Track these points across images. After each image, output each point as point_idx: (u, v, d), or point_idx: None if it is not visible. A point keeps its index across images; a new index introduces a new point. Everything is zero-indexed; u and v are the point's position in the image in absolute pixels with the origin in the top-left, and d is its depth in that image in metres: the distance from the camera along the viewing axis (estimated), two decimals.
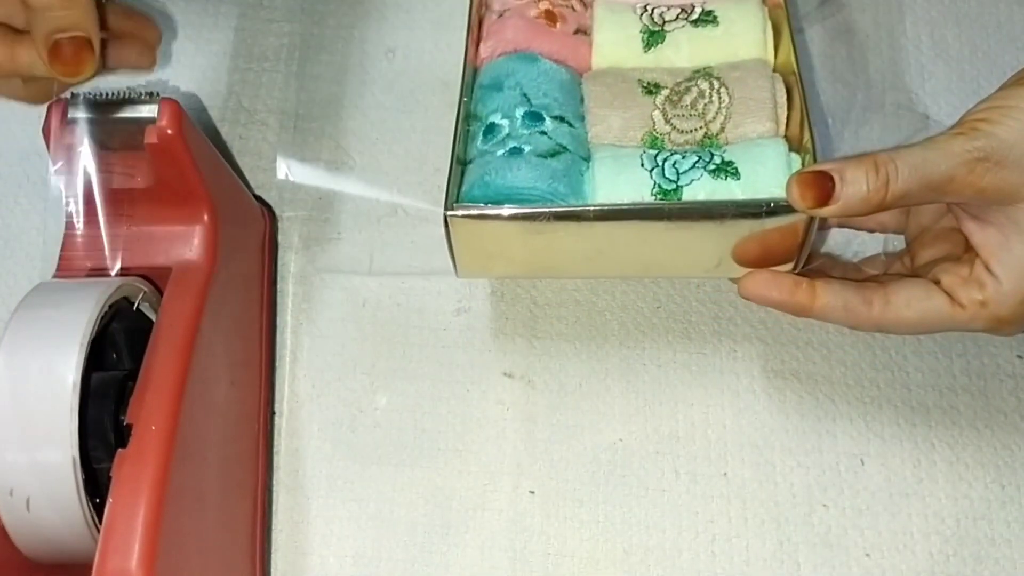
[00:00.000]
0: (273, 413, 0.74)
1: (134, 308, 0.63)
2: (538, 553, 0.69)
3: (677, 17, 0.74)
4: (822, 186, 0.60)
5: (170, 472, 0.55)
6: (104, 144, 0.63)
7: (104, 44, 0.65)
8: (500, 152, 0.67)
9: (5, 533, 0.56)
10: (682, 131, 0.69)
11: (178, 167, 0.63)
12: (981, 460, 0.70)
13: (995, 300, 0.62)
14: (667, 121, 0.70)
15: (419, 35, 0.87)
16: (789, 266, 0.67)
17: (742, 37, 0.73)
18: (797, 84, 0.68)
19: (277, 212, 0.81)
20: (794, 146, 0.67)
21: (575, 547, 0.69)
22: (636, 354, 0.74)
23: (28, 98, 0.68)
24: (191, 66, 0.87)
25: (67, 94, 0.64)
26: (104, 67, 0.68)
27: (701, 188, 0.65)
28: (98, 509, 0.56)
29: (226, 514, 0.66)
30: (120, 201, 0.64)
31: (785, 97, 0.69)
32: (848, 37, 0.85)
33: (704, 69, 0.72)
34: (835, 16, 0.85)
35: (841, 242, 0.76)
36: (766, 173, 0.65)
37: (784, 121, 0.69)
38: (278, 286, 0.78)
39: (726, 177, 0.65)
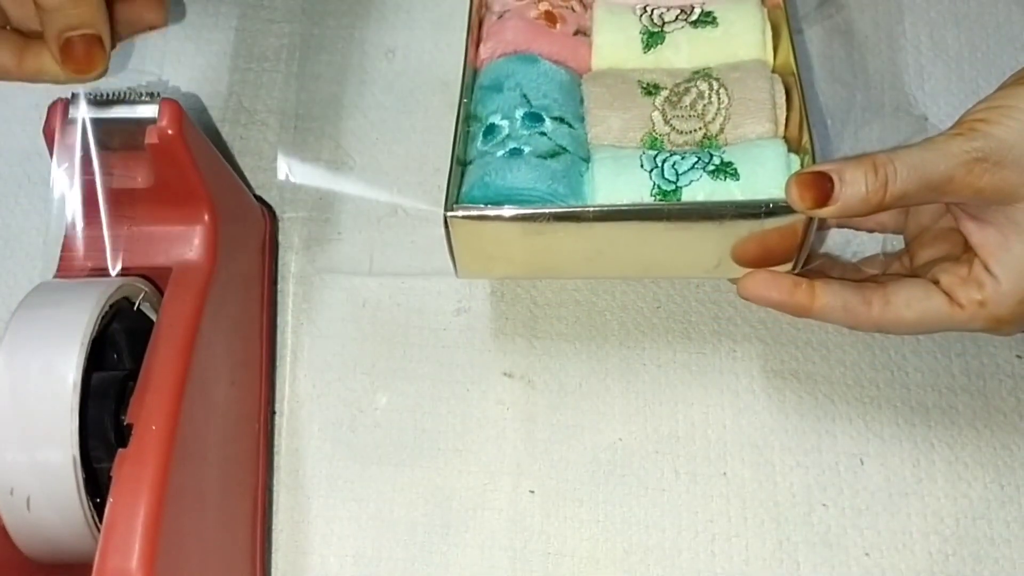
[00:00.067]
0: (273, 413, 0.74)
1: (135, 308, 0.63)
2: (538, 553, 0.69)
3: (676, 18, 0.74)
4: (821, 187, 0.60)
5: (170, 472, 0.55)
6: (105, 144, 0.63)
7: (112, 10, 0.65)
8: (500, 153, 0.67)
9: (5, 533, 0.56)
10: (681, 132, 0.69)
11: (178, 167, 0.63)
12: (980, 460, 0.70)
13: (994, 300, 0.63)
14: (666, 122, 0.70)
15: (419, 35, 0.87)
16: (788, 266, 0.67)
17: (741, 38, 0.73)
18: (796, 85, 0.68)
19: (277, 212, 0.81)
20: (793, 147, 0.67)
21: (575, 547, 0.69)
22: (636, 354, 0.74)
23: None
24: (191, 66, 0.87)
25: (67, 94, 0.64)
26: (119, 38, 0.68)
27: (700, 189, 0.65)
28: (98, 509, 0.56)
29: (226, 514, 0.66)
30: (121, 201, 0.64)
31: (784, 98, 0.69)
32: (848, 37, 0.85)
33: (703, 70, 0.72)
34: (834, 17, 0.85)
35: (840, 242, 0.76)
36: (765, 174, 0.65)
37: (783, 122, 0.69)
38: (278, 286, 0.78)
39: (725, 178, 0.65)
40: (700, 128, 0.69)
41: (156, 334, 0.61)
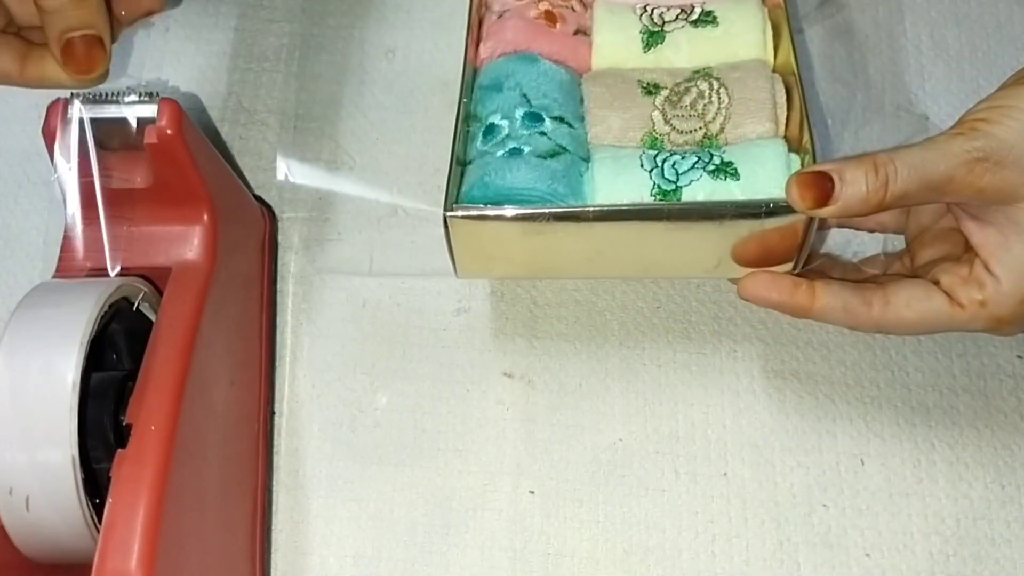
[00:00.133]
0: (273, 413, 0.74)
1: (134, 308, 0.63)
2: (538, 553, 0.69)
3: (677, 18, 0.74)
4: (821, 186, 0.60)
5: (170, 472, 0.55)
6: (104, 144, 0.63)
7: (109, 2, 0.65)
8: (500, 153, 0.67)
9: (4, 533, 0.56)
10: (682, 132, 0.69)
11: (178, 167, 0.63)
12: (981, 460, 0.70)
13: (994, 300, 0.62)
14: (667, 122, 0.70)
15: (419, 35, 0.87)
16: (789, 266, 0.67)
17: (742, 37, 0.73)
18: (797, 84, 0.68)
19: (277, 212, 0.81)
20: (793, 147, 0.67)
21: (575, 547, 0.69)
22: (636, 354, 0.74)
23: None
24: (191, 66, 0.87)
25: (66, 94, 0.64)
26: (121, 26, 0.69)
27: (700, 189, 0.65)
28: (98, 509, 0.56)
29: (226, 514, 0.66)
30: (120, 201, 0.64)
31: (785, 97, 0.69)
32: (848, 37, 0.85)
33: (704, 70, 0.72)
34: (835, 16, 0.85)
35: (841, 242, 0.76)
36: (765, 174, 0.65)
37: (784, 121, 0.69)
38: (278, 286, 0.78)
39: (725, 178, 0.65)
40: (700, 128, 0.69)
41: (155, 334, 0.61)
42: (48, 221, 0.80)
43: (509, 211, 0.64)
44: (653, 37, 0.73)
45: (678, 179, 0.65)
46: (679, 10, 0.74)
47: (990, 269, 0.62)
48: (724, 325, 0.75)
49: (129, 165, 0.64)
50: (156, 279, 0.66)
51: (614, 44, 0.74)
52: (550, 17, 0.74)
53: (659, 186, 0.65)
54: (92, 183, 0.63)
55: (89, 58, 0.63)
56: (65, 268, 0.65)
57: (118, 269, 0.65)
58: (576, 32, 0.74)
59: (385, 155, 0.83)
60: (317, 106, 0.85)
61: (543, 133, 0.68)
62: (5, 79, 0.66)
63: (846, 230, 0.75)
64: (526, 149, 0.67)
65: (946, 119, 0.79)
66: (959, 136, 0.60)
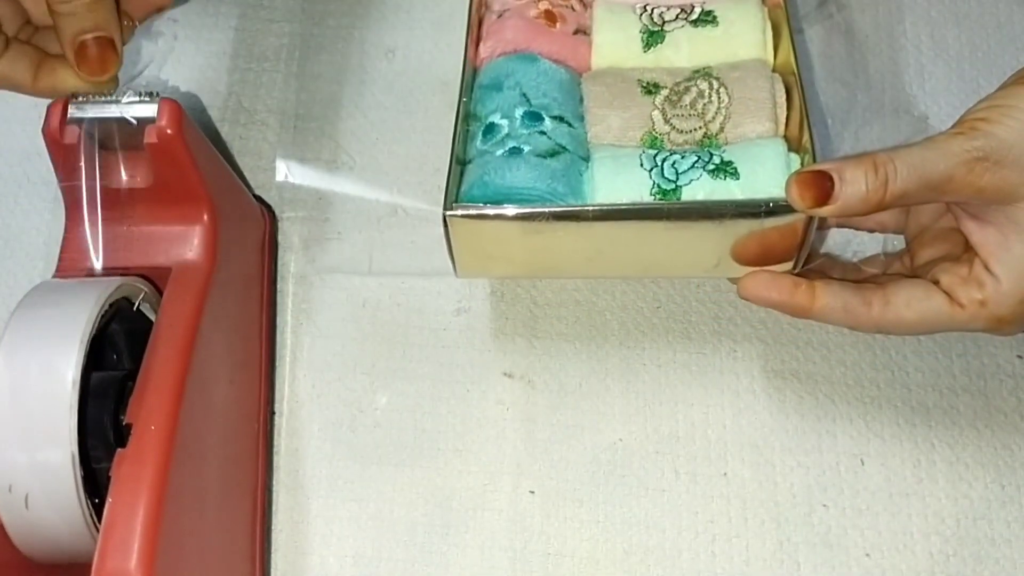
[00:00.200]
0: (273, 413, 0.74)
1: (134, 308, 0.63)
2: (538, 553, 0.69)
3: (677, 17, 0.74)
4: (821, 186, 0.60)
5: (169, 472, 0.55)
6: (104, 144, 0.63)
7: (118, 2, 0.67)
8: (499, 152, 0.67)
9: (4, 532, 0.56)
10: (681, 131, 0.69)
11: (178, 167, 0.63)
12: (981, 460, 0.70)
13: (994, 300, 0.62)
14: (666, 121, 0.70)
15: (419, 35, 0.87)
16: (788, 265, 0.67)
17: (742, 37, 0.73)
18: (796, 84, 0.68)
19: (277, 212, 0.81)
20: (793, 146, 0.67)
21: (575, 547, 0.69)
22: (636, 354, 0.74)
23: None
24: (191, 66, 0.87)
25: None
26: (133, 24, 0.70)
27: (700, 188, 0.65)
28: (97, 509, 0.56)
29: (226, 514, 0.66)
30: (120, 201, 0.64)
31: (784, 97, 0.69)
32: (848, 37, 0.85)
33: (703, 69, 0.72)
34: (834, 16, 0.85)
35: (840, 242, 0.76)
36: (765, 173, 0.65)
37: (783, 121, 0.69)
38: (278, 286, 0.78)
39: (725, 177, 0.65)
40: (700, 127, 0.69)
41: (155, 334, 0.61)
42: (48, 221, 0.80)
43: (509, 210, 0.64)
44: (653, 37, 0.73)
45: (678, 178, 0.65)
46: (679, 10, 0.74)
47: (990, 269, 0.62)
48: (724, 325, 0.75)
49: (129, 165, 0.64)
50: (156, 279, 0.66)
51: (614, 44, 0.74)
52: (550, 17, 0.74)
53: (659, 185, 0.65)
54: (92, 183, 0.63)
55: (102, 60, 0.65)
56: (65, 268, 0.65)
57: (118, 269, 0.65)
58: (576, 32, 0.74)
59: (385, 155, 0.83)
60: (317, 106, 0.85)
61: (543, 132, 0.68)
62: (18, 88, 0.68)
63: (846, 230, 0.75)
64: (526, 148, 0.67)
65: (946, 119, 0.79)
66: (959, 135, 0.60)
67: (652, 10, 0.75)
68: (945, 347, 0.73)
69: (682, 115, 0.69)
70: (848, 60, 0.84)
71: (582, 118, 0.71)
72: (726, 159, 0.66)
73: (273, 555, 0.70)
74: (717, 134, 0.69)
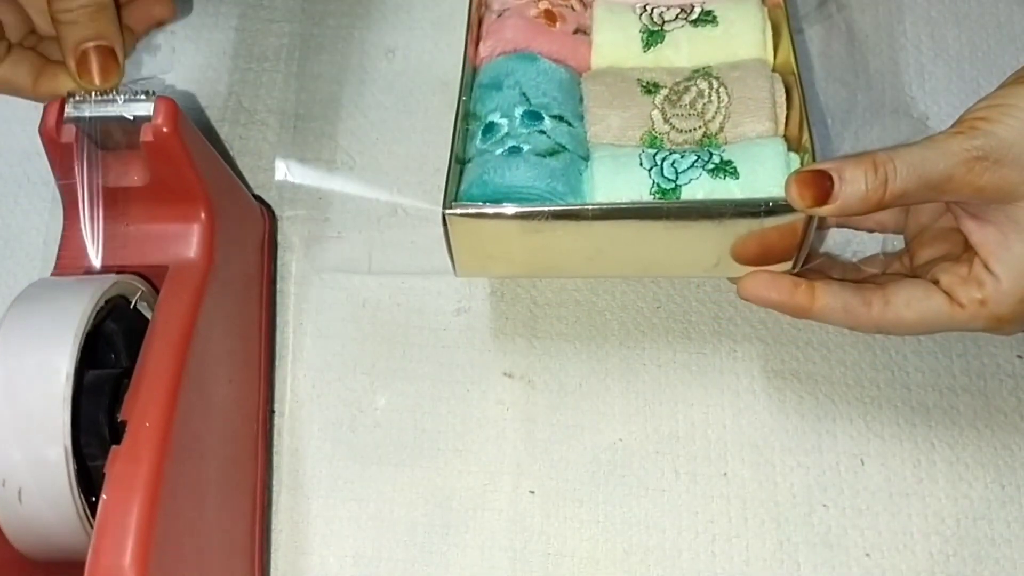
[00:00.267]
0: (273, 413, 0.74)
1: (131, 306, 0.63)
2: (538, 553, 0.69)
3: (676, 17, 0.74)
4: (821, 185, 0.60)
5: (165, 470, 0.55)
6: (101, 143, 0.63)
7: (120, 15, 0.68)
8: (499, 151, 0.67)
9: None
10: (681, 131, 0.69)
11: (174, 165, 0.63)
12: (981, 460, 0.70)
13: (994, 299, 0.62)
14: (666, 120, 0.70)
15: (419, 35, 0.88)
16: (788, 265, 0.67)
17: (741, 37, 0.73)
18: (796, 84, 0.68)
19: (277, 212, 0.81)
20: (793, 146, 0.67)
21: (575, 547, 0.69)
22: (636, 354, 0.74)
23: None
24: (191, 66, 0.87)
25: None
26: (134, 37, 0.72)
27: (700, 187, 0.65)
28: (93, 507, 0.56)
29: (225, 513, 0.66)
30: (117, 200, 0.64)
31: (784, 97, 0.69)
32: (848, 37, 0.85)
33: (703, 69, 0.72)
34: (834, 17, 0.85)
35: (840, 242, 0.76)
36: (765, 172, 0.65)
37: (783, 121, 0.69)
38: (278, 286, 0.78)
39: (725, 176, 0.65)
40: (700, 127, 0.69)
41: (151, 331, 0.61)
42: (47, 221, 0.80)
43: (508, 209, 0.64)
44: (653, 36, 0.73)
45: (677, 178, 0.65)
46: (679, 9, 0.74)
47: (990, 268, 0.62)
48: (724, 325, 0.75)
49: (126, 163, 0.64)
50: (153, 277, 0.66)
51: (614, 43, 0.74)
52: (550, 16, 0.74)
53: (658, 185, 0.65)
54: (90, 182, 0.63)
55: (103, 69, 0.65)
56: (63, 267, 0.65)
57: (115, 267, 0.65)
58: (576, 31, 0.74)
59: (385, 155, 0.83)
60: (317, 106, 0.85)
61: (542, 132, 0.68)
62: (18, 92, 0.69)
63: (845, 230, 0.75)
64: (525, 147, 0.67)
65: (946, 119, 0.79)
66: (958, 135, 0.60)
67: (652, 10, 0.75)
68: (945, 347, 0.73)
69: (682, 115, 0.69)
70: (848, 60, 0.84)
71: (582, 117, 0.71)
72: (726, 158, 0.66)
73: (273, 555, 0.70)
74: (717, 134, 0.69)
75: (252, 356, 0.73)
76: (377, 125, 0.84)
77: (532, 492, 0.71)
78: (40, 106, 0.64)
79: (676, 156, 0.66)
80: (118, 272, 0.64)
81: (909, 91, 0.82)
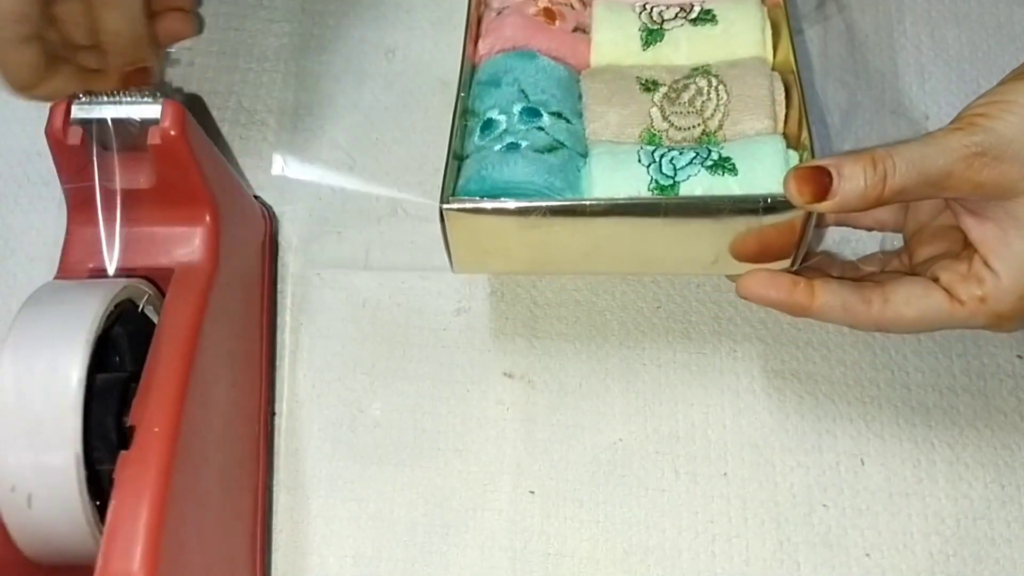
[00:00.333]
0: (273, 413, 0.74)
1: (139, 310, 0.63)
2: (538, 553, 0.69)
3: (676, 16, 0.74)
4: (819, 181, 0.60)
5: (172, 474, 0.55)
6: (106, 145, 0.63)
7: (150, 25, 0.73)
8: (497, 147, 0.67)
9: (6, 532, 0.56)
10: (680, 128, 0.69)
11: (181, 168, 0.63)
12: (981, 460, 0.70)
13: (994, 296, 0.62)
14: (665, 118, 0.70)
15: (419, 35, 0.88)
16: (786, 263, 0.67)
17: (741, 36, 0.73)
18: (796, 83, 0.68)
19: (277, 212, 0.81)
20: (792, 144, 0.67)
21: (575, 547, 0.69)
22: (636, 354, 0.74)
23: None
24: (191, 66, 0.87)
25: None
26: (160, 49, 0.79)
27: (698, 184, 0.65)
28: (100, 510, 0.56)
29: (227, 514, 0.66)
30: (122, 202, 0.64)
31: (783, 95, 0.69)
32: (848, 37, 0.85)
33: (702, 67, 0.72)
34: (834, 17, 0.85)
35: (838, 240, 0.76)
36: (764, 170, 0.64)
37: (782, 119, 0.69)
38: (278, 286, 0.78)
39: (723, 173, 0.65)
40: (699, 124, 0.69)
41: (158, 335, 0.61)
42: (49, 222, 0.80)
43: (506, 204, 0.64)
44: (652, 35, 0.73)
45: (676, 174, 0.65)
46: (678, 8, 0.74)
47: (989, 265, 0.62)
48: (724, 325, 0.75)
49: (132, 166, 0.64)
50: (158, 280, 0.66)
51: (613, 42, 0.74)
52: (549, 14, 0.74)
53: (656, 181, 0.65)
54: (94, 183, 0.63)
55: (144, 84, 0.72)
56: (67, 269, 0.65)
57: (120, 270, 0.65)
58: (575, 30, 0.74)
59: (385, 155, 0.83)
60: (317, 106, 0.85)
61: (541, 128, 0.68)
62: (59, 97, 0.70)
63: (844, 228, 0.75)
64: (523, 144, 0.66)
65: (946, 119, 0.77)
66: (958, 131, 0.60)
67: (651, 9, 0.75)
68: (945, 347, 0.74)
69: (681, 112, 0.69)
70: (848, 60, 0.84)
71: (580, 115, 0.71)
72: (724, 155, 0.65)
73: (273, 555, 0.70)
74: (716, 131, 0.69)
75: (253, 358, 0.73)
76: (377, 125, 0.84)
77: (532, 492, 0.71)
78: (43, 106, 0.63)
79: (675, 153, 0.66)
80: (124, 274, 0.64)
81: (909, 91, 0.82)
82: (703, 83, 0.70)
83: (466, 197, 0.65)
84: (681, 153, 0.66)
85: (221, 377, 0.66)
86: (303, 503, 0.72)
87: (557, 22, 0.74)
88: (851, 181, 0.60)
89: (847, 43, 0.84)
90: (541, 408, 0.73)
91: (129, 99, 0.62)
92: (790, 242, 0.65)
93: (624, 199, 0.65)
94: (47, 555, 0.58)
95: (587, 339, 0.75)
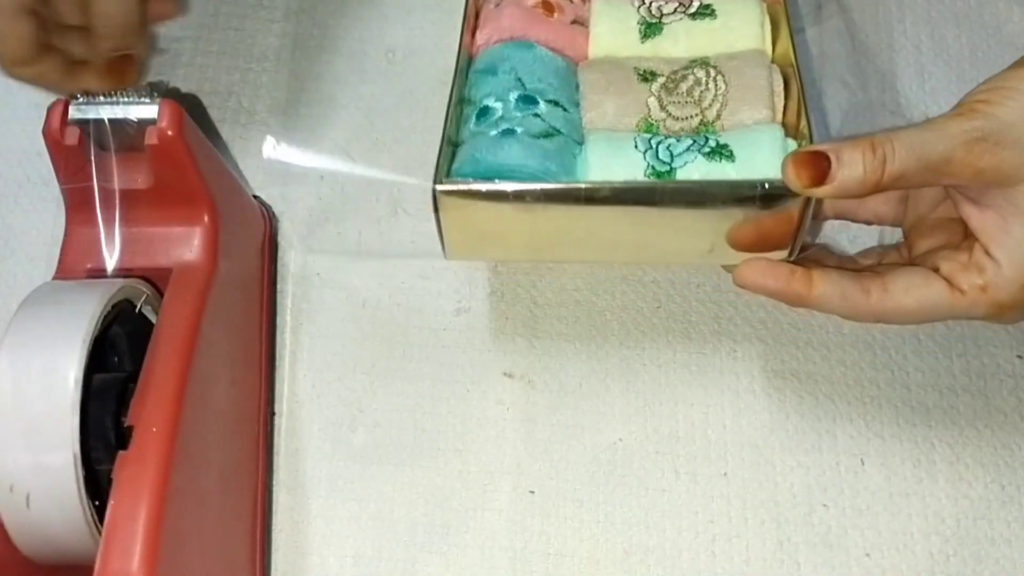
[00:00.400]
0: (273, 413, 0.74)
1: (136, 310, 0.63)
2: (538, 553, 0.69)
3: (675, 11, 0.74)
4: (818, 165, 0.60)
5: (171, 474, 0.55)
6: (104, 145, 0.63)
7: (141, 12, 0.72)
8: (492, 133, 0.67)
9: (4, 532, 0.56)
10: (678, 118, 0.69)
11: (178, 168, 0.63)
12: (981, 460, 0.70)
13: (995, 284, 0.62)
14: (663, 108, 0.69)
15: (419, 35, 0.88)
16: (784, 253, 0.67)
17: (740, 30, 0.73)
18: (795, 75, 0.68)
19: (277, 212, 0.81)
20: (791, 134, 0.66)
21: (575, 547, 0.69)
22: (636, 354, 0.74)
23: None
24: (191, 66, 0.87)
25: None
26: (146, 35, 0.76)
27: (695, 170, 0.64)
28: (99, 511, 0.56)
29: (226, 514, 0.66)
30: (120, 202, 0.64)
31: (782, 87, 0.69)
32: (848, 37, 0.85)
33: (701, 58, 0.72)
34: (834, 17, 0.85)
35: (837, 234, 0.76)
36: (762, 157, 0.64)
37: (781, 109, 0.69)
38: (278, 286, 0.78)
39: (721, 159, 0.64)
40: (696, 115, 0.69)
41: (156, 335, 0.61)
42: (49, 222, 0.80)
43: (500, 185, 0.63)
44: (651, 29, 0.73)
45: (672, 160, 0.65)
46: (677, 3, 0.74)
47: (990, 253, 0.62)
48: (724, 325, 0.75)
49: (130, 166, 0.64)
50: (157, 280, 0.66)
51: (611, 34, 0.74)
52: (547, 6, 0.74)
53: (653, 167, 0.65)
54: (92, 184, 0.63)
55: (128, 71, 0.71)
56: (65, 269, 0.65)
57: (118, 270, 0.65)
58: (573, 23, 0.75)
59: (385, 154, 0.83)
60: (317, 106, 0.85)
61: (537, 115, 0.67)
62: (48, 87, 0.71)
63: (842, 222, 0.75)
64: (519, 130, 0.66)
65: None
66: (958, 116, 0.60)
67: (650, 3, 0.75)
68: (945, 347, 0.73)
69: (678, 102, 0.69)
70: (848, 60, 0.84)
71: (577, 104, 0.71)
72: (722, 142, 0.65)
73: (273, 555, 0.70)
74: (713, 121, 0.68)
75: (253, 358, 0.73)
76: (377, 124, 0.84)
77: (532, 492, 0.71)
78: (42, 106, 0.64)
79: (672, 140, 0.66)
80: (122, 275, 0.64)
81: (909, 91, 0.82)
82: (701, 74, 0.70)
83: (460, 179, 0.65)
84: (678, 140, 0.66)
85: (220, 377, 0.66)
86: (303, 503, 0.72)
87: (555, 14, 0.74)
88: (850, 166, 0.60)
89: (847, 43, 0.84)
90: (541, 408, 0.73)
91: (126, 99, 0.62)
92: (787, 231, 0.65)
93: (620, 182, 0.65)
94: (46, 555, 0.58)
95: (587, 339, 0.75)
